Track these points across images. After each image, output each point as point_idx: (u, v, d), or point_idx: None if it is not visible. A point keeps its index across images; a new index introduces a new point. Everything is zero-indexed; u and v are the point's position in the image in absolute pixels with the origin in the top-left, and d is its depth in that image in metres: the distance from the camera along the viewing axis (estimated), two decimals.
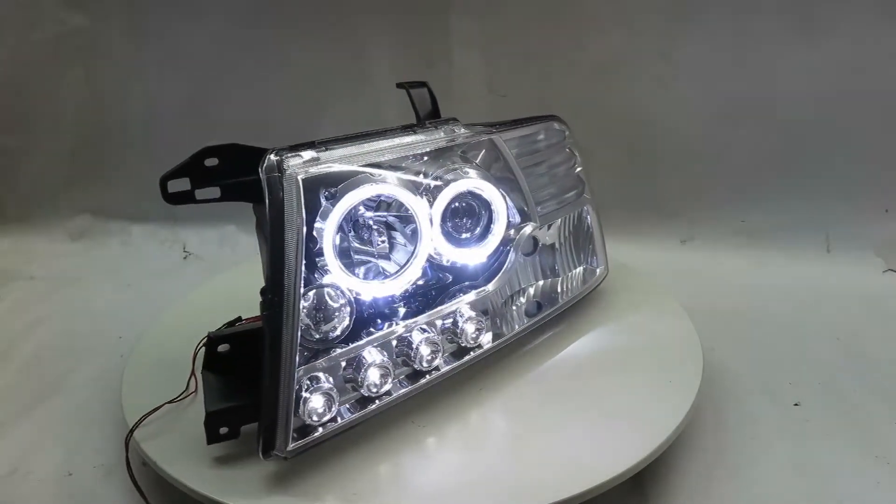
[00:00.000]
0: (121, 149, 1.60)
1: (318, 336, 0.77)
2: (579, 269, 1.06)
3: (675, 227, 1.51)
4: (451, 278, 0.92)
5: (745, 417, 0.99)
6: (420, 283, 0.90)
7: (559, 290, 1.02)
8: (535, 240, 0.99)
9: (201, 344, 0.90)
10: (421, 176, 0.86)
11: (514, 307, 0.97)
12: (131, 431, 0.83)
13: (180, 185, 0.84)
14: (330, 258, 0.77)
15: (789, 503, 0.85)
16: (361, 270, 0.85)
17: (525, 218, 0.96)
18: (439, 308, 0.88)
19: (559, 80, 1.48)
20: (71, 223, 1.64)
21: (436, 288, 0.91)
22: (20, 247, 1.59)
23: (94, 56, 1.56)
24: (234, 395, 0.80)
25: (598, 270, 1.08)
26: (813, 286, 1.34)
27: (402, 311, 0.87)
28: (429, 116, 0.91)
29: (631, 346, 1.00)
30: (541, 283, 1.01)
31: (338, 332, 0.79)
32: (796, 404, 1.02)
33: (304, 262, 0.73)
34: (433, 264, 0.90)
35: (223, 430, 0.78)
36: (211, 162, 0.85)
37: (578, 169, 1.04)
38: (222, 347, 0.86)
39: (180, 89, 1.56)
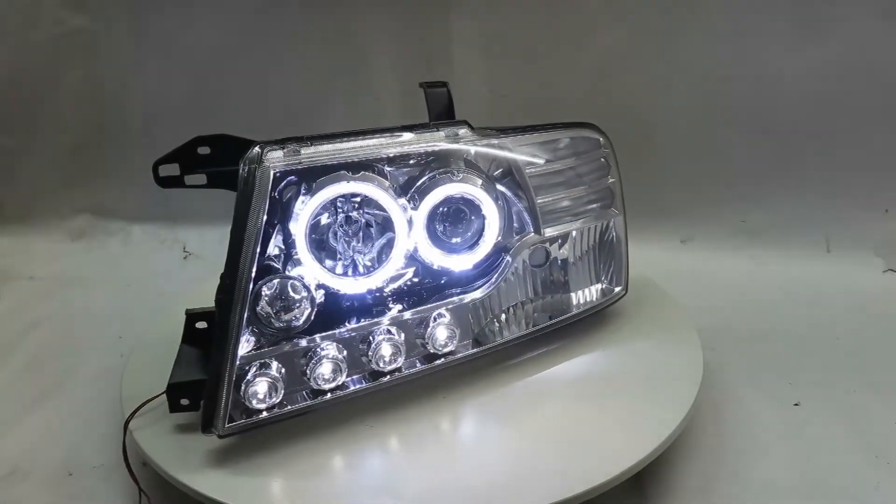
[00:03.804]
0: (121, 148, 1.60)
1: (279, 325, 0.79)
2: (595, 287, 1.02)
3: (675, 227, 1.51)
4: (444, 280, 0.91)
5: (745, 417, 0.99)
6: (415, 280, 0.90)
7: (565, 305, 0.99)
8: (546, 251, 0.97)
9: None
10: (411, 177, 0.86)
11: (504, 318, 0.94)
12: (129, 419, 0.84)
13: (171, 170, 0.89)
14: (302, 250, 0.80)
15: (789, 503, 0.85)
16: (340, 265, 0.84)
17: (532, 228, 0.93)
18: (418, 309, 0.87)
19: (559, 80, 1.48)
20: (71, 223, 1.63)
21: (428, 288, 0.90)
22: (20, 247, 1.58)
23: (94, 56, 1.56)
24: (202, 369, 0.82)
25: (615, 290, 1.02)
26: (813, 286, 1.34)
27: (393, 307, 0.87)
28: (440, 117, 0.90)
29: (630, 346, 0.99)
30: (549, 297, 0.98)
31: (300, 323, 0.80)
32: (796, 404, 1.02)
33: (259, 250, 0.75)
34: (425, 265, 0.89)
35: (184, 401, 0.81)
36: (203, 150, 0.89)
37: (611, 181, 0.98)
38: (200, 324, 0.89)
39: (180, 89, 1.56)
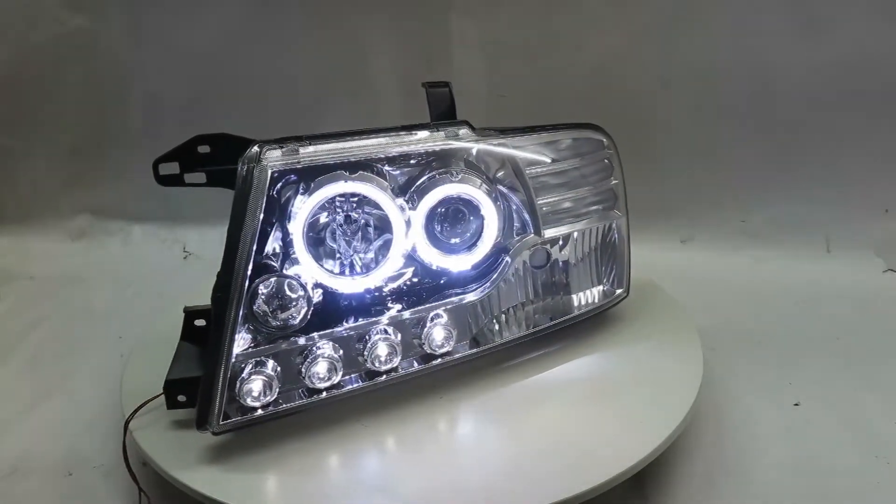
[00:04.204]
0: (121, 149, 1.60)
1: (276, 323, 0.79)
2: (596, 289, 1.01)
3: (675, 227, 1.51)
4: (443, 280, 0.91)
5: (745, 417, 0.99)
6: (414, 280, 0.90)
7: (566, 307, 0.99)
8: (547, 253, 0.96)
9: None
10: (411, 177, 0.86)
11: (504, 319, 0.94)
12: (129, 419, 0.84)
13: (171, 169, 0.90)
14: (299, 250, 0.80)
15: (789, 503, 0.85)
16: (338, 264, 0.84)
17: (532, 229, 0.93)
18: (416, 309, 0.87)
19: (559, 80, 1.48)
20: (71, 223, 1.63)
21: (427, 288, 0.90)
22: (20, 247, 1.58)
23: (94, 56, 1.56)
24: (199, 366, 0.82)
25: (616, 292, 1.01)
26: (813, 286, 1.34)
27: (392, 307, 0.87)
28: (442, 118, 0.89)
29: (630, 346, 0.99)
30: (550, 298, 0.98)
31: (296, 322, 0.80)
32: (796, 404, 1.02)
33: (256, 249, 0.76)
34: (424, 265, 0.89)
35: (181, 398, 0.81)
36: (203, 149, 0.90)
37: (614, 182, 0.97)
38: (198, 321, 0.90)
39: (180, 89, 1.56)
